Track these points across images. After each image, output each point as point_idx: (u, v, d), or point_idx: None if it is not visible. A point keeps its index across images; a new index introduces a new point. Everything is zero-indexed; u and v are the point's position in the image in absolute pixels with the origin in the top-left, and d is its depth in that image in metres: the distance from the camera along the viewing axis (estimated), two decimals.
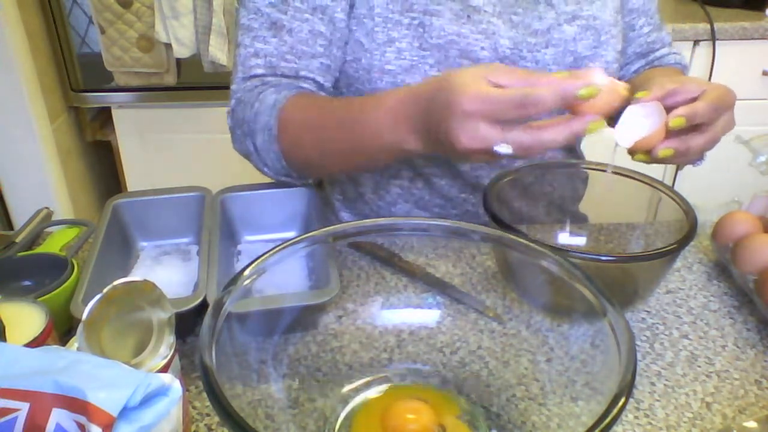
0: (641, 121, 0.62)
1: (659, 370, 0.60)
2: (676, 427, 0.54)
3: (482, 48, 0.74)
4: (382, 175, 0.84)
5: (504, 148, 0.52)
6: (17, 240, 0.72)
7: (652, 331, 0.65)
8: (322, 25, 0.72)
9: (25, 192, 1.64)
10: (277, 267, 0.52)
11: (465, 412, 0.53)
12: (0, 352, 0.38)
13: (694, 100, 0.62)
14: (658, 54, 0.89)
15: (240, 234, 0.76)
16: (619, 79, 0.88)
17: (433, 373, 0.57)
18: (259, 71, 0.73)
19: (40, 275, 0.65)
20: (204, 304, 0.58)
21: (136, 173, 1.79)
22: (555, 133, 0.52)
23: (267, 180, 0.77)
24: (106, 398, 0.35)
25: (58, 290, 0.60)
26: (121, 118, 1.72)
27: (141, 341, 0.47)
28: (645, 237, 0.73)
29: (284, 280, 0.53)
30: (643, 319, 0.66)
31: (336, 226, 0.55)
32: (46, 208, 0.81)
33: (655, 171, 0.70)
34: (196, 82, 1.65)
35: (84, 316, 0.43)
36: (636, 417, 0.55)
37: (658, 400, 0.56)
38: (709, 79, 1.64)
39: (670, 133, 0.62)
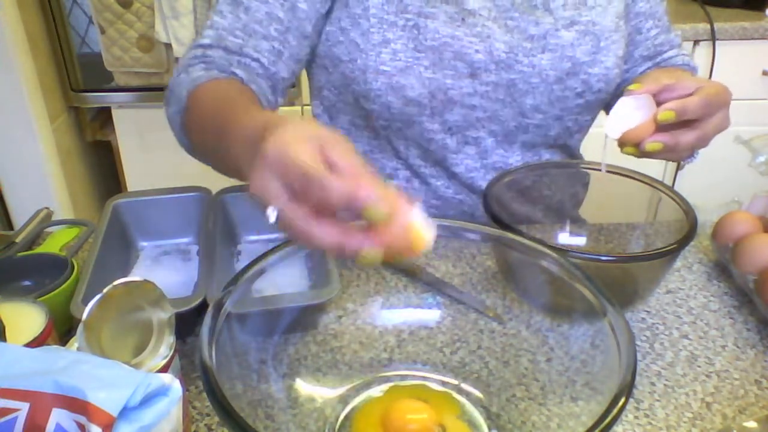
0: (631, 113, 0.62)
1: (659, 370, 0.60)
2: (676, 427, 0.54)
3: (477, 51, 0.74)
4: (378, 175, 0.84)
5: (271, 215, 0.43)
6: (17, 240, 0.72)
7: (652, 331, 0.65)
8: (281, 11, 0.72)
9: (25, 192, 1.64)
10: (277, 267, 0.52)
11: (465, 412, 0.53)
12: (0, 352, 0.38)
13: (689, 96, 0.62)
14: (665, 56, 0.88)
15: (240, 234, 0.76)
16: (624, 81, 0.88)
17: (433, 373, 0.57)
18: (207, 41, 0.73)
19: (40, 275, 0.65)
20: (204, 304, 0.58)
21: (136, 173, 1.79)
22: (325, 234, 0.42)
23: None
24: (106, 398, 0.35)
25: (58, 290, 0.60)
26: (121, 118, 1.71)
27: (141, 341, 0.47)
28: (645, 237, 0.73)
29: (284, 280, 0.53)
30: (643, 319, 0.66)
31: None
32: (46, 208, 0.81)
33: (655, 171, 0.71)
34: None
35: (84, 316, 0.43)
36: (636, 417, 0.55)
37: (658, 400, 0.56)
38: (709, 78, 1.64)
39: (660, 128, 0.62)
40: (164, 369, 0.47)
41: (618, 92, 0.81)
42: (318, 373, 0.55)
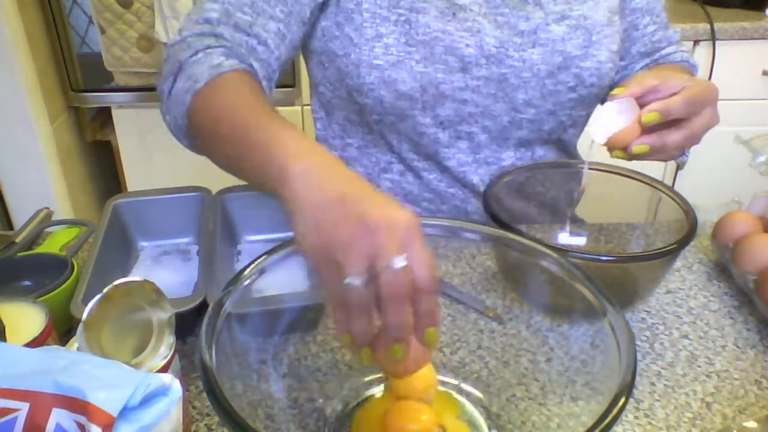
0: (615, 118, 0.63)
1: (659, 370, 0.60)
2: (676, 427, 0.54)
3: (467, 45, 0.74)
4: (373, 169, 0.85)
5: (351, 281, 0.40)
6: (17, 240, 0.72)
7: (652, 331, 0.65)
8: None
9: (25, 192, 1.64)
10: (277, 267, 0.52)
11: (465, 412, 0.53)
12: (0, 352, 0.38)
13: (673, 96, 0.62)
14: (663, 52, 0.88)
15: (240, 234, 0.76)
16: (622, 78, 0.88)
17: None
18: (214, 15, 0.69)
19: (40, 275, 0.65)
20: (204, 304, 0.58)
21: (136, 173, 1.79)
22: (362, 327, 0.41)
23: None
24: (106, 398, 0.35)
25: (58, 290, 0.60)
26: (121, 118, 1.71)
27: (141, 341, 0.47)
28: (645, 237, 0.73)
29: (284, 280, 0.53)
30: (643, 319, 0.66)
31: None
32: (46, 208, 0.81)
33: (655, 171, 0.71)
34: None
35: (84, 316, 0.43)
36: (636, 417, 0.55)
37: (658, 400, 0.56)
38: (709, 79, 1.64)
39: (647, 129, 0.62)
40: (164, 369, 0.47)
41: (613, 87, 0.81)
42: (318, 373, 0.55)
